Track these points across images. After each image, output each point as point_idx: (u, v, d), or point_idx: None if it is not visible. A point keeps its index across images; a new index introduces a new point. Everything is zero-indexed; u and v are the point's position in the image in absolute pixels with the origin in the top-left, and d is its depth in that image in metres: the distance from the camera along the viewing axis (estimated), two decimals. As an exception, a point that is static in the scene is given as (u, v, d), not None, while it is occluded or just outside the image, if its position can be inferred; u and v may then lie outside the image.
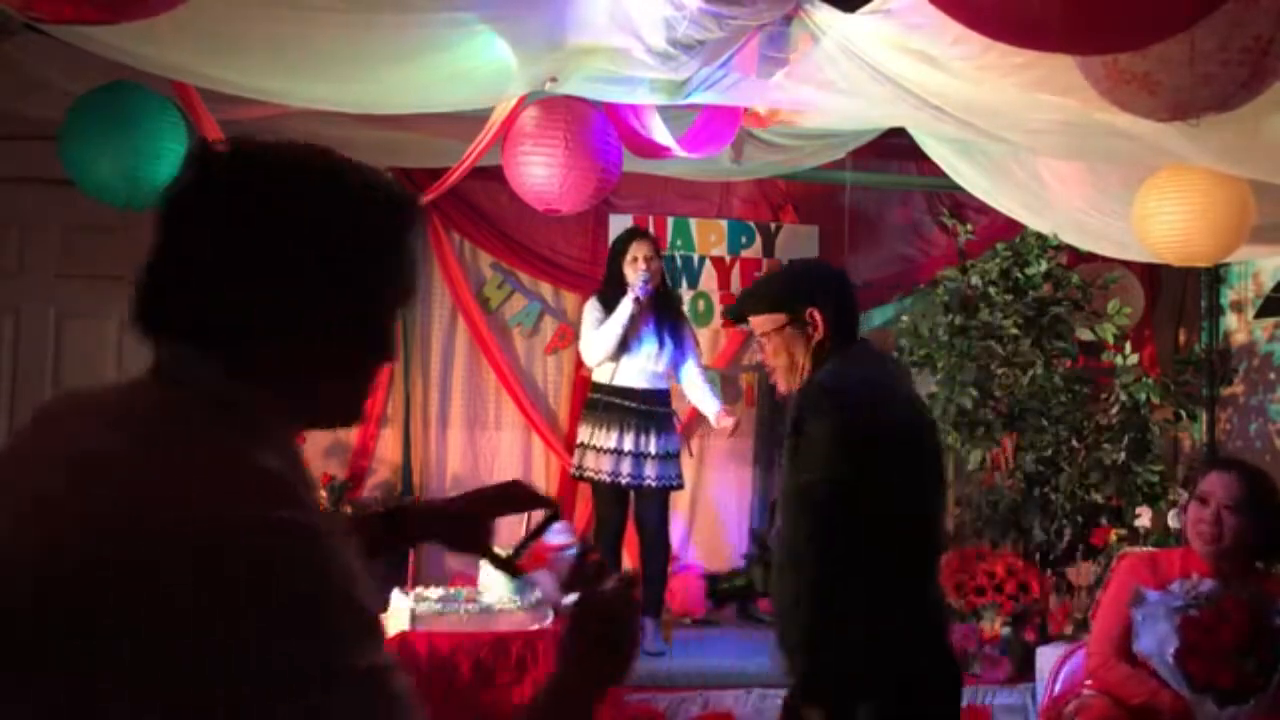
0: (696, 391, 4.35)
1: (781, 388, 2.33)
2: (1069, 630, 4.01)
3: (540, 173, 3.63)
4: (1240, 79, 2.21)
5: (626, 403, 4.23)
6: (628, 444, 4.20)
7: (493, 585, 3.91)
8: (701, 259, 5.15)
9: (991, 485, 4.48)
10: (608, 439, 4.21)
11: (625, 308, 4.16)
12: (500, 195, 4.53)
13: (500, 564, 1.44)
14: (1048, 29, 1.93)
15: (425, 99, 3.41)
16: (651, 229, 4.83)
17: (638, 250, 4.22)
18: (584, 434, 4.29)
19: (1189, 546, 2.95)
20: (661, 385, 4.34)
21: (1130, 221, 3.72)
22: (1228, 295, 5.16)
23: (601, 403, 4.27)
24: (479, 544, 1.43)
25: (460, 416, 4.98)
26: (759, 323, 2.32)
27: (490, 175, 4.06)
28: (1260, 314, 4.88)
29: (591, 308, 4.32)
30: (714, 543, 5.12)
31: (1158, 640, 2.82)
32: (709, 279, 5.14)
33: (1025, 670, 4.09)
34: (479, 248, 5.03)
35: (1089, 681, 2.97)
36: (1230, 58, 2.17)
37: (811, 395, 2.15)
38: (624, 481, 4.20)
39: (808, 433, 2.09)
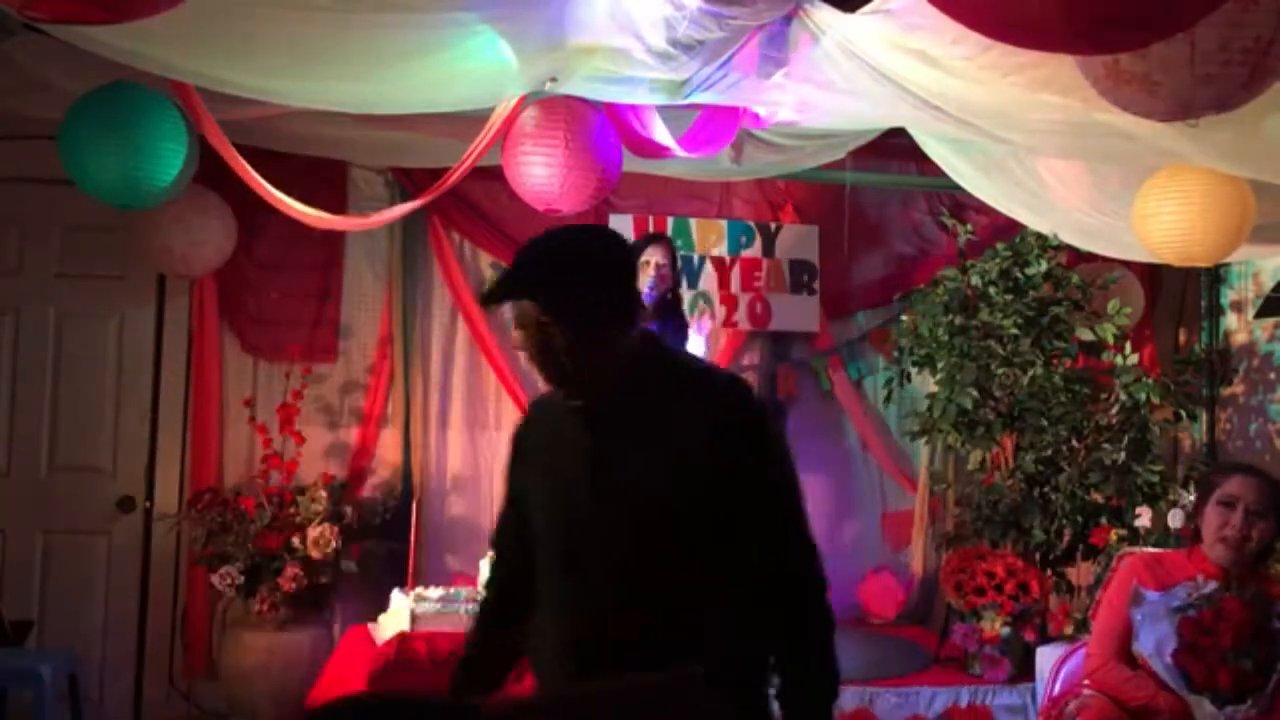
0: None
1: (554, 385, 1.89)
2: (1069, 630, 4.01)
3: (540, 173, 3.62)
4: (1240, 79, 2.21)
5: None
6: None
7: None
8: (701, 259, 5.14)
9: (991, 485, 4.48)
10: None
11: None
12: (500, 195, 4.53)
13: None
14: (1048, 29, 1.93)
15: (425, 99, 3.41)
16: (651, 229, 4.83)
17: (651, 255, 4.23)
18: None
19: (1194, 548, 2.95)
20: None
21: (1130, 221, 3.72)
22: (1228, 295, 5.16)
23: None
24: None
25: (460, 417, 4.98)
26: (561, 307, 1.83)
27: (490, 175, 4.06)
28: (1260, 314, 4.87)
29: None
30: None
31: (1157, 640, 2.82)
32: (709, 279, 5.13)
33: (1025, 670, 4.10)
34: (479, 248, 5.02)
35: (1087, 681, 2.97)
36: (1230, 58, 2.17)
37: (743, 392, 1.94)
38: None
39: (764, 433, 1.88)
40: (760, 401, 1.91)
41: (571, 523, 1.88)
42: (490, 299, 1.93)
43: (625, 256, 1.92)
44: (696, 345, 4.36)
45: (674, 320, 4.33)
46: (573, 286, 1.83)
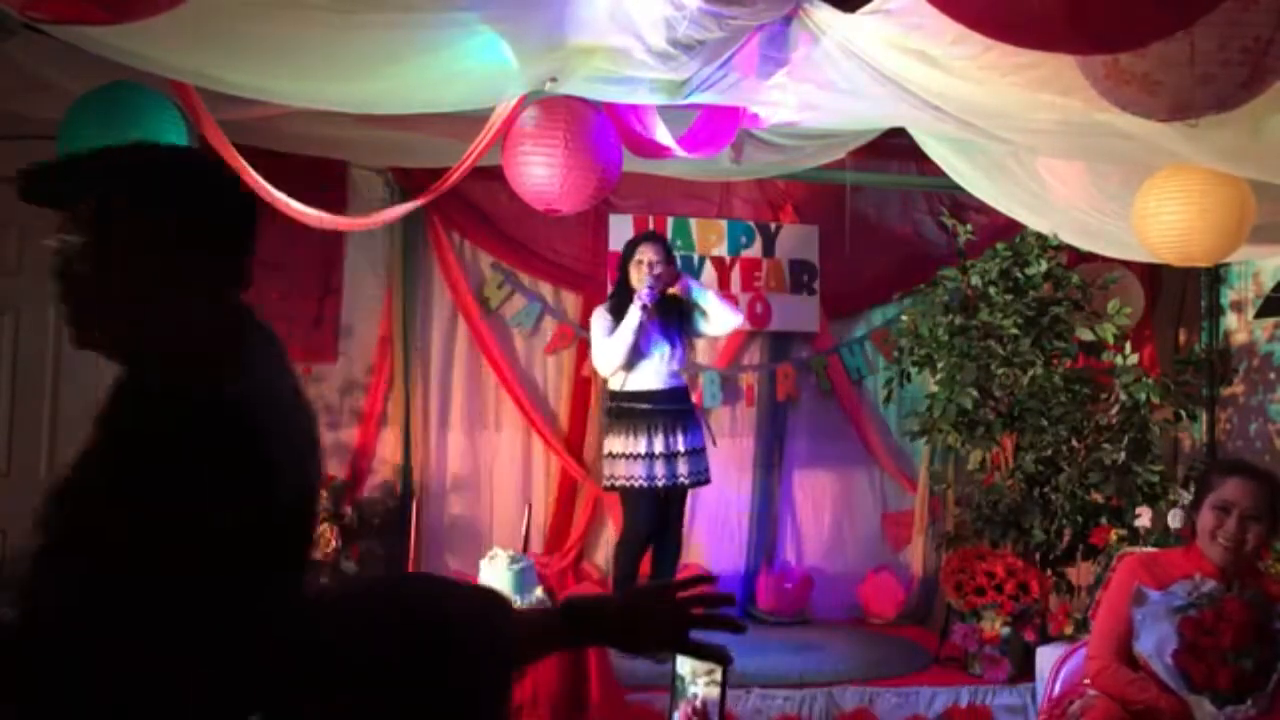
0: (711, 305, 4.31)
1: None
2: (1069, 630, 4.01)
3: (540, 173, 3.62)
4: (1240, 79, 2.21)
5: (647, 405, 4.20)
6: (658, 446, 4.15)
7: (492, 584, 3.91)
8: (701, 259, 5.15)
9: (991, 485, 4.49)
10: (636, 445, 4.16)
11: (634, 316, 4.14)
12: (500, 195, 4.53)
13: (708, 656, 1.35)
14: (1048, 29, 1.93)
15: (425, 99, 3.40)
16: (652, 229, 4.83)
17: (644, 254, 4.22)
18: (610, 444, 4.24)
19: (1191, 546, 2.95)
20: (679, 383, 4.32)
21: (1130, 221, 3.72)
22: (1228, 295, 5.16)
23: (622, 410, 4.22)
24: (683, 643, 1.34)
25: (460, 417, 4.98)
26: (101, 226, 1.32)
27: (490, 175, 4.06)
28: (1260, 314, 4.88)
29: (599, 317, 4.29)
30: (714, 542, 5.12)
31: (1157, 640, 2.82)
32: (709, 279, 5.13)
33: (1025, 670, 4.10)
34: (479, 248, 5.03)
35: (1088, 680, 2.97)
36: (1230, 58, 2.17)
37: (125, 407, 1.38)
38: (660, 484, 4.16)
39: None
40: (139, 430, 1.25)
41: None
42: (25, 182, 1.36)
43: (226, 198, 1.39)
44: (727, 321, 4.35)
45: (677, 313, 4.32)
46: (127, 203, 1.32)
